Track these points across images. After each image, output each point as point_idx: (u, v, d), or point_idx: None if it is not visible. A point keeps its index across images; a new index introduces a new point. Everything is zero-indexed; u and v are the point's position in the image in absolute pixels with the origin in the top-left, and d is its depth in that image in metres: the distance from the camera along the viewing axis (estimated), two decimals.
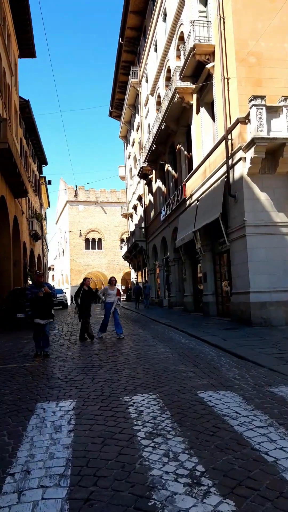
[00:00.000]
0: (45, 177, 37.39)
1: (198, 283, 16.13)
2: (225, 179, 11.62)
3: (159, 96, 21.64)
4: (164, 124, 17.88)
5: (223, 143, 11.71)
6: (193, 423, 3.49)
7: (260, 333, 8.99)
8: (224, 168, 11.78)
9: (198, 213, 13.78)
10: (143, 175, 25.75)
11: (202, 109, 14.39)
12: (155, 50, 22.20)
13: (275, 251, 10.53)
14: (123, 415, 3.76)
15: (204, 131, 14.23)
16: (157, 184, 23.29)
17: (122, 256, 38.51)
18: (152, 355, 7.03)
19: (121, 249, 45.49)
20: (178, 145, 17.86)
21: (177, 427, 3.40)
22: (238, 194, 10.92)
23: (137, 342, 8.80)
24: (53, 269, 67.54)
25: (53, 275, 67.35)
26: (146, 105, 25.76)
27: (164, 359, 6.56)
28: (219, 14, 11.85)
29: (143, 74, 26.19)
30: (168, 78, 19.04)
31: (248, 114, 10.45)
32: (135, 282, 33.78)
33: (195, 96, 14.92)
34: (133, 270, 35.64)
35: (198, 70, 13.75)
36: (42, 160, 34.68)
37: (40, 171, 35.88)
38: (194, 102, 15.10)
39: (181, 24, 16.33)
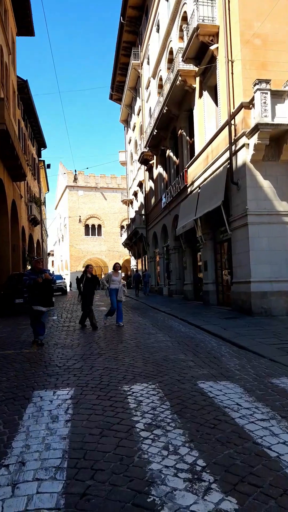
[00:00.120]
0: (44, 161, 36.92)
1: (199, 272, 16.03)
2: (228, 166, 11.39)
3: (161, 79, 21.16)
4: (166, 108, 17.51)
5: (226, 128, 11.44)
6: (193, 415, 3.41)
7: (260, 322, 8.93)
8: (227, 155, 11.54)
9: (200, 201, 13.58)
10: (144, 160, 25.39)
11: (205, 93, 14.05)
12: (157, 30, 21.60)
13: (277, 240, 10.39)
14: (121, 405, 3.68)
15: (206, 115, 13.92)
16: (158, 170, 22.98)
17: (122, 243, 38.35)
18: (151, 343, 6.96)
19: (121, 236, 45.32)
20: (180, 130, 17.53)
21: (177, 419, 3.32)
22: (241, 181, 10.71)
23: (137, 330, 8.73)
24: (52, 255, 67.44)
25: (52, 261, 67.30)
26: (147, 88, 25.24)
27: (163, 348, 6.49)
28: None
29: (144, 56, 25.58)
30: (171, 60, 18.58)
31: (253, 99, 10.17)
32: (135, 269, 33.71)
33: (198, 79, 14.55)
34: (133, 257, 35.53)
35: (202, 51, 13.37)
36: (41, 143, 34.16)
37: (39, 155, 35.42)
38: (197, 85, 14.74)
39: (185, 3, 15.83)
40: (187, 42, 13.38)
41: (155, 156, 23.54)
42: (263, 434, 3.00)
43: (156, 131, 20.20)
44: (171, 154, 19.88)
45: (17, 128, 21.45)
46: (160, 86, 20.98)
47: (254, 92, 9.97)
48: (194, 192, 15.03)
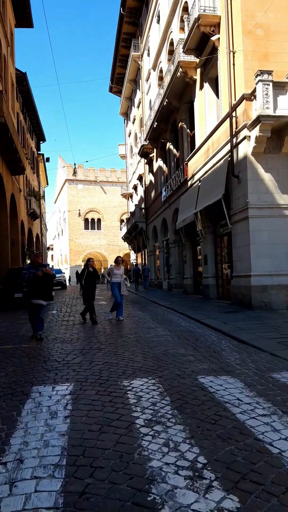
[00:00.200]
0: (43, 154, 36.68)
1: (198, 266, 15.97)
2: (229, 158, 11.28)
3: (161, 71, 20.93)
4: (166, 100, 17.32)
5: (227, 120, 11.31)
6: (193, 410, 3.37)
7: (260, 316, 8.89)
8: (228, 147, 11.42)
9: (200, 194, 13.48)
10: (143, 153, 25.20)
11: (206, 85, 13.88)
12: (158, 21, 21.31)
13: (278, 234, 10.31)
14: (121, 400, 3.64)
15: (207, 108, 13.76)
16: (158, 163, 22.82)
17: (122, 237, 38.26)
18: (151, 337, 6.92)
19: (120, 230, 45.18)
20: (181, 123, 17.36)
21: (177, 414, 3.28)
22: (242, 174, 10.61)
23: (136, 324, 8.70)
24: (52, 249, 67.35)
25: (52, 255, 67.24)
26: (147, 80, 24.99)
27: (163, 342, 6.45)
28: None
29: (144, 47, 25.28)
30: (171, 52, 18.36)
31: (254, 90, 10.03)
32: (134, 263, 33.66)
33: (198, 70, 14.37)
34: (132, 251, 35.45)
35: (203, 42, 13.18)
36: (40, 137, 33.92)
37: (38, 148, 35.18)
38: (197, 77, 14.56)
39: None
40: (188, 33, 13.19)
41: (155, 149, 23.36)
42: (265, 430, 2.96)
43: (156, 123, 20.01)
44: (171, 147, 19.72)
45: (16, 121, 21.25)
46: (161, 78, 20.76)
47: (256, 84, 9.84)
48: (194, 185, 14.92)
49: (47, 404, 3.59)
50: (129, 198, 36.87)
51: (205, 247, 14.04)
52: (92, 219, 50.79)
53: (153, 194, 25.02)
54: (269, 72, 9.82)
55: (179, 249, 18.88)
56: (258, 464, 2.47)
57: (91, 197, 50.42)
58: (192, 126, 16.39)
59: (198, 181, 14.38)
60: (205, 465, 2.46)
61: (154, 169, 24.21)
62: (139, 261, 31.65)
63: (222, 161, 11.97)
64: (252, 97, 10.25)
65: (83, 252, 49.18)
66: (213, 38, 12.38)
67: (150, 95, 23.98)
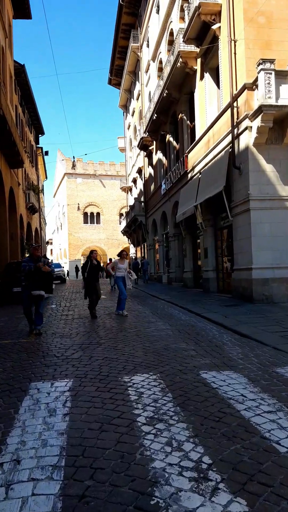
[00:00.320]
0: (42, 148, 36.36)
1: (198, 259, 15.85)
2: (230, 150, 11.11)
3: (160, 62, 20.62)
4: (166, 91, 17.07)
5: (228, 111, 11.11)
6: (196, 407, 3.26)
7: (262, 310, 8.79)
8: (229, 138, 11.24)
9: (200, 186, 13.32)
10: (143, 146, 24.94)
11: (207, 75, 13.64)
12: (157, 11, 20.95)
13: (280, 226, 10.18)
14: (122, 397, 3.53)
15: (208, 98, 13.54)
16: (158, 156, 22.58)
17: (121, 231, 38.07)
18: (151, 332, 6.82)
19: (120, 224, 44.97)
20: (180, 114, 17.12)
21: (180, 412, 3.17)
22: (243, 166, 10.44)
23: (136, 318, 8.59)
24: (51, 243, 67.15)
25: (51, 250, 67.05)
26: (147, 71, 24.65)
27: (164, 337, 6.35)
28: None
29: (144, 38, 24.91)
30: (171, 42, 18.04)
31: (256, 80, 9.83)
32: (133, 257, 33.54)
33: (199, 60, 14.12)
34: (132, 245, 35.30)
35: (203, 31, 12.92)
36: (38, 130, 33.57)
37: (37, 142, 34.83)
38: (198, 67, 14.31)
39: None
40: (188, 22, 12.92)
41: (154, 142, 23.11)
42: (271, 428, 2.85)
43: (155, 115, 19.76)
44: (171, 139, 19.49)
45: (15, 114, 20.98)
46: (160, 69, 20.45)
47: (258, 73, 9.64)
48: (194, 177, 14.74)
49: (45, 401, 3.48)
50: (129, 192, 36.62)
51: (206, 240, 13.90)
52: (91, 213, 50.53)
53: (152, 187, 24.81)
54: (271, 61, 9.62)
55: (179, 242, 18.74)
56: (266, 464, 2.36)
57: (90, 191, 50.12)
58: (192, 118, 16.17)
59: (198, 173, 14.20)
60: (210, 465, 2.35)
61: (154, 162, 23.97)
62: (139, 255, 31.51)
63: (223, 152, 11.79)
64: (254, 87, 10.05)
65: (82, 246, 49.01)
66: (214, 27, 12.12)
67: (150, 87, 23.67)
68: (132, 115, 31.67)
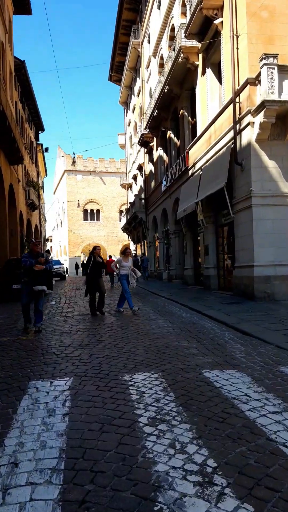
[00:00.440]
0: (42, 144, 36.19)
1: (199, 256, 15.75)
2: (232, 146, 10.98)
3: (161, 58, 20.45)
4: (167, 87, 16.91)
5: (230, 106, 10.98)
6: (200, 407, 3.17)
7: (263, 307, 8.70)
8: (231, 134, 11.11)
9: (202, 183, 13.20)
10: (143, 142, 24.79)
11: (208, 70, 13.49)
12: (158, 7, 20.77)
13: (282, 223, 10.07)
14: (123, 396, 3.44)
15: (209, 94, 13.40)
16: (159, 152, 22.44)
17: (121, 228, 37.97)
18: (152, 329, 6.73)
19: (120, 221, 44.86)
20: (182, 110, 16.97)
21: (183, 412, 3.08)
22: (245, 162, 10.33)
23: (137, 315, 8.49)
24: (51, 240, 67.05)
25: (51, 246, 66.94)
26: (147, 68, 24.48)
27: (165, 334, 6.26)
28: None
29: (145, 34, 24.71)
30: (172, 38, 17.88)
31: (259, 75, 9.70)
32: (133, 254, 33.46)
33: (200, 56, 13.97)
34: (132, 242, 35.20)
35: (205, 26, 12.77)
36: (38, 126, 33.39)
37: (37, 138, 34.66)
38: (199, 62, 14.16)
39: None
40: (190, 17, 12.77)
41: (155, 138, 22.96)
42: (277, 429, 2.77)
43: (156, 111, 19.60)
44: (172, 135, 19.35)
45: (15, 110, 20.82)
46: (161, 65, 20.29)
47: (261, 67, 9.51)
48: (195, 174, 14.63)
49: (44, 400, 3.39)
50: (129, 189, 36.48)
51: (207, 237, 13.80)
52: (91, 210, 50.42)
53: (153, 184, 24.68)
54: (275, 56, 9.48)
55: (180, 239, 18.64)
56: (273, 468, 2.28)
57: (90, 188, 49.99)
58: (193, 114, 16.03)
59: (199, 170, 14.08)
60: (215, 469, 2.26)
61: (154, 159, 23.83)
62: (139, 252, 31.42)
63: (224, 148, 11.67)
64: (257, 82, 9.92)
65: (82, 243, 48.94)
66: (216, 22, 11.97)
67: (150, 83, 23.50)
68: (133, 111, 31.49)
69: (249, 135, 10.12)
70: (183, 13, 16.41)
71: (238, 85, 10.61)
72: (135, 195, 30.98)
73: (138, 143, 26.03)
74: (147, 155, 26.26)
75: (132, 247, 34.93)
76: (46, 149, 37.03)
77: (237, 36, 10.70)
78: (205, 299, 10.87)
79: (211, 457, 2.39)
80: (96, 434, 2.71)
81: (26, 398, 3.46)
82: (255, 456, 2.41)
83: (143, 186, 28.10)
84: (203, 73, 13.84)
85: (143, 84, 25.94)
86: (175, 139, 18.96)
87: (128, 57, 27.87)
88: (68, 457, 2.40)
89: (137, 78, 28.27)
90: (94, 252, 8.79)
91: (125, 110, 37.12)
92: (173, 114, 18.86)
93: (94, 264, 8.62)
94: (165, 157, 21.40)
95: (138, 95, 28.34)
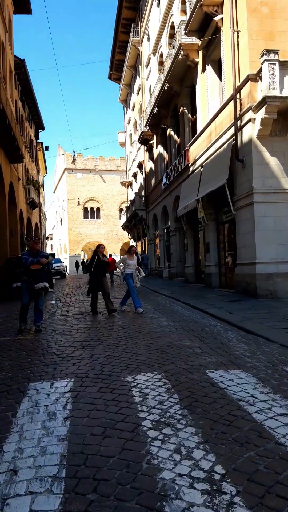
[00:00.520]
0: (42, 143, 36.05)
1: (200, 254, 15.65)
2: (233, 142, 10.86)
3: (161, 56, 20.31)
4: (167, 84, 16.78)
5: (231, 103, 10.86)
6: (205, 410, 3.08)
7: (266, 305, 8.60)
8: (232, 131, 10.99)
9: (202, 180, 13.09)
10: (143, 140, 24.66)
11: (209, 67, 13.36)
12: (158, 5, 20.62)
13: (284, 220, 9.96)
14: (125, 398, 3.35)
15: (210, 91, 13.27)
16: (159, 150, 22.31)
17: (122, 226, 37.86)
18: (154, 328, 6.64)
19: (120, 218, 44.75)
20: (182, 108, 16.84)
21: (188, 415, 2.98)
22: (246, 158, 10.21)
23: (138, 314, 8.40)
24: (51, 238, 66.90)
25: (51, 245, 66.83)
26: (147, 65, 24.32)
27: (167, 333, 6.16)
28: None
29: (144, 32, 24.56)
30: (172, 35, 17.74)
31: (260, 71, 9.58)
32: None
33: (200, 53, 13.84)
34: (132, 240, 35.09)
35: (205, 23, 12.65)
36: (38, 125, 33.24)
37: (37, 137, 34.52)
38: (199, 59, 14.02)
39: None
40: (190, 14, 12.65)
41: (155, 136, 22.83)
42: (286, 433, 2.67)
43: (156, 109, 19.48)
44: (172, 133, 19.22)
45: (15, 108, 20.69)
46: (161, 63, 20.14)
47: (262, 63, 9.39)
48: (196, 171, 14.51)
49: (45, 403, 3.29)
50: (129, 186, 36.35)
51: (208, 234, 13.69)
52: (92, 208, 50.28)
53: (153, 181, 24.56)
54: (276, 51, 9.36)
55: (180, 237, 18.54)
56: (284, 474, 2.18)
57: (90, 186, 49.85)
58: (193, 111, 15.90)
59: (200, 167, 13.97)
60: (224, 476, 2.17)
61: (154, 156, 23.70)
62: (139, 249, 31.33)
63: (225, 145, 11.55)
64: (258, 78, 9.80)
65: (82, 241, 48.83)
66: (216, 18, 11.85)
67: (150, 81, 23.35)
68: (133, 109, 31.35)
69: (250, 132, 10.01)
70: (183, 11, 16.28)
71: (239, 81, 10.49)
72: (135, 193, 30.86)
73: (138, 141, 25.89)
74: (147, 153, 26.13)
75: (133, 244, 34.81)
76: (46, 148, 36.93)
77: (238, 32, 10.57)
78: (207, 297, 10.77)
79: (218, 463, 2.30)
80: (99, 439, 2.61)
81: (25, 401, 3.36)
82: (265, 461, 2.31)
83: (143, 184, 27.98)
84: (203, 70, 13.71)
85: (142, 82, 25.79)
86: (175, 137, 18.83)
87: (128, 55, 27.71)
88: (69, 464, 2.31)
89: (137, 76, 28.12)
90: (98, 250, 8.59)
91: (125, 108, 36.97)
92: (173, 111, 18.73)
93: (98, 262, 8.43)
94: (165, 154, 21.28)
95: (138, 93, 28.19)
